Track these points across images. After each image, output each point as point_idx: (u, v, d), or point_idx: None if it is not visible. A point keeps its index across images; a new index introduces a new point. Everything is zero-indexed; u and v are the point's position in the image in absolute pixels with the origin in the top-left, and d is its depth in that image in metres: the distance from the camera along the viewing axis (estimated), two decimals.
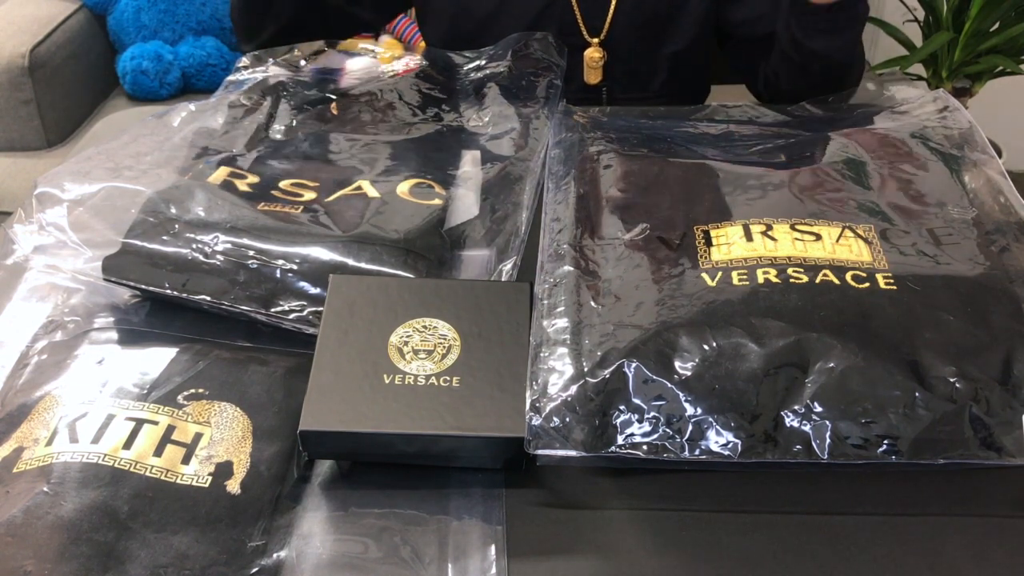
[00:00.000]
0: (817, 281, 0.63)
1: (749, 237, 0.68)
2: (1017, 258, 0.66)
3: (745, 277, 0.64)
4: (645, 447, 0.58)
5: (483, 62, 1.06)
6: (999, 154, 0.79)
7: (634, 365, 0.60)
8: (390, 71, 1.04)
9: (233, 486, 0.60)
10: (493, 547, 0.58)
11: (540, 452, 0.59)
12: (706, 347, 0.60)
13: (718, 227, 0.69)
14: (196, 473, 0.60)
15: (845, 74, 1.06)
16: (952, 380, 0.58)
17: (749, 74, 1.16)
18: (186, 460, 0.61)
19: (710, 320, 0.61)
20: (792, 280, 0.63)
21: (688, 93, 1.23)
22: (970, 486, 0.61)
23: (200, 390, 0.66)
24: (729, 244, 0.67)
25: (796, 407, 0.58)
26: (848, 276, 0.64)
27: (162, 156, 0.87)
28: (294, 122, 0.95)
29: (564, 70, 1.04)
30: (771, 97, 1.14)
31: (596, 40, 1.14)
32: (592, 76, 1.15)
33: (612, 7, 1.12)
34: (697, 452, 0.58)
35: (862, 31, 1.02)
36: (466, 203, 0.83)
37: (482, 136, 0.94)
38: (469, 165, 0.89)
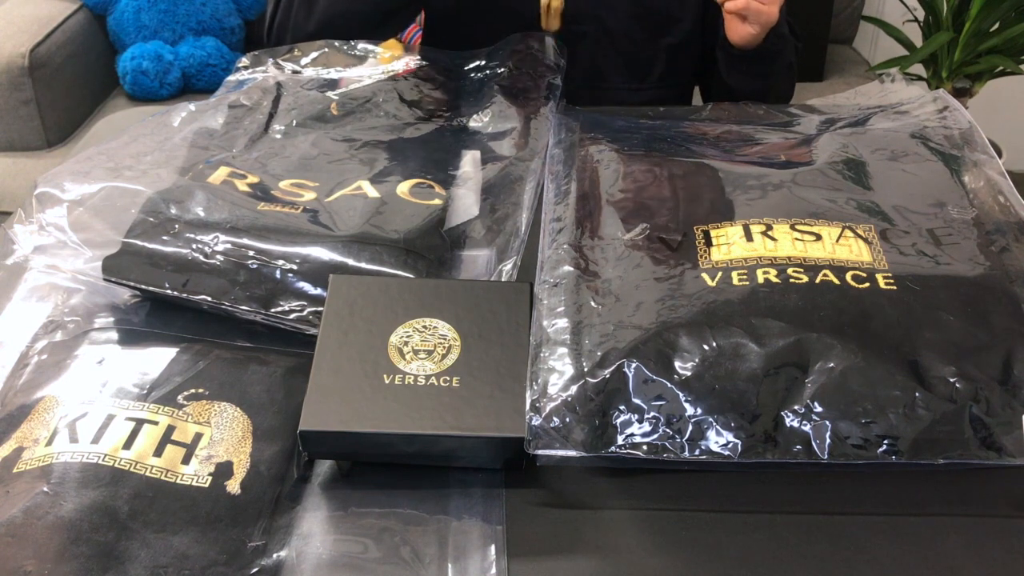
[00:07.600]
0: (817, 281, 0.63)
1: (749, 237, 0.67)
2: (1017, 258, 0.66)
3: (745, 277, 0.64)
4: (645, 447, 0.58)
5: (483, 62, 1.06)
6: (999, 154, 0.79)
7: (634, 365, 0.60)
8: (390, 71, 1.04)
9: (233, 486, 0.60)
10: (493, 547, 0.58)
11: (540, 452, 0.59)
12: (706, 347, 0.60)
13: (718, 227, 0.69)
14: (196, 473, 0.60)
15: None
16: (952, 380, 0.58)
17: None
18: (186, 460, 0.61)
19: (710, 320, 0.61)
20: (792, 280, 0.63)
21: (681, 85, 1.25)
22: (970, 486, 0.61)
23: (200, 390, 0.66)
24: (729, 244, 0.67)
25: (796, 407, 0.58)
26: (848, 276, 0.64)
27: (162, 156, 0.87)
28: (294, 122, 0.95)
29: (564, 70, 1.04)
30: None
31: None
32: (552, 23, 1.14)
33: None
34: (697, 452, 0.58)
35: (776, 84, 1.14)
36: (466, 203, 0.83)
37: (482, 136, 0.94)
38: (469, 165, 0.89)
